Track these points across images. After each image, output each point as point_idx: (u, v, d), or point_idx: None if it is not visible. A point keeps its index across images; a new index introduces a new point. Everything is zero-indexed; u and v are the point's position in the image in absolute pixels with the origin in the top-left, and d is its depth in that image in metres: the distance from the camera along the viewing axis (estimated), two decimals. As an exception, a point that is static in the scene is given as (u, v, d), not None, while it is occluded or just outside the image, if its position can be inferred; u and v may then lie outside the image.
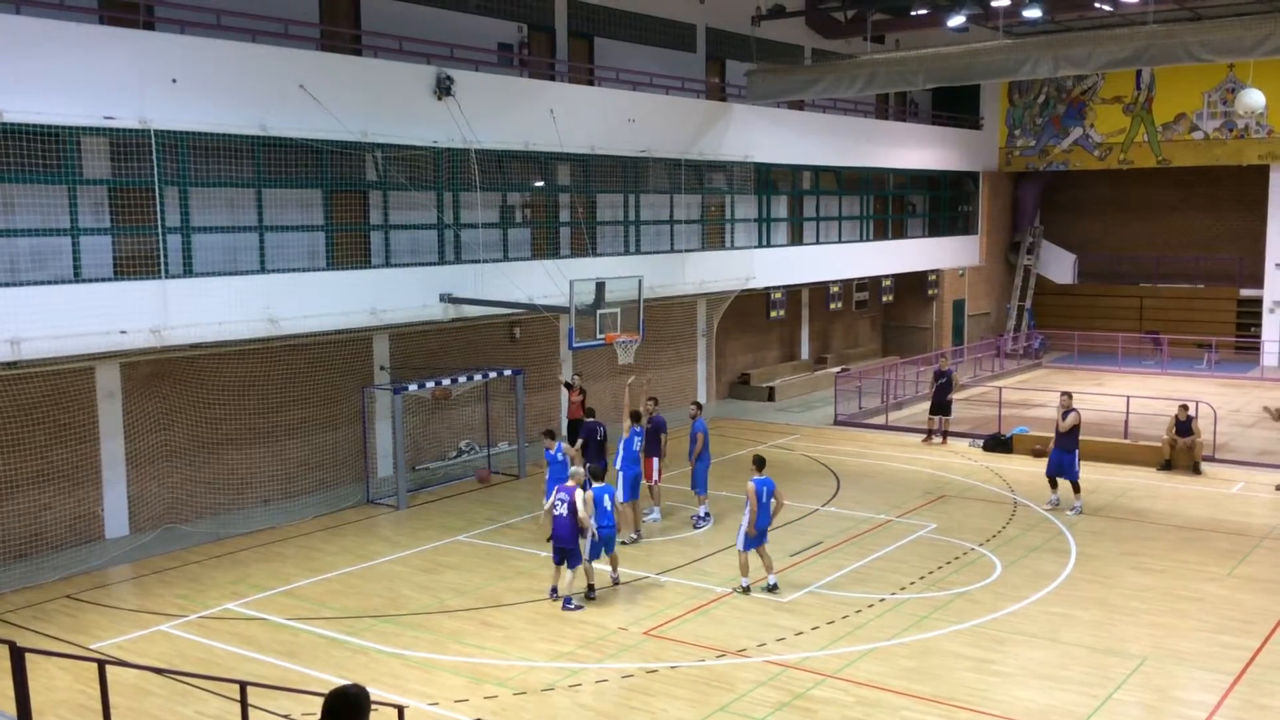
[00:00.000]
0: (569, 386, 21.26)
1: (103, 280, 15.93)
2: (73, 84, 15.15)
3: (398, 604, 14.82)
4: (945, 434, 25.26)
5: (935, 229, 37.91)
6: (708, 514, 18.41)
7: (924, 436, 25.41)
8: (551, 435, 17.50)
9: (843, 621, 13.93)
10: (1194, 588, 15.23)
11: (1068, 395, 19.64)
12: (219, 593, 15.27)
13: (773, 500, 14.97)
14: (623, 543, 16.74)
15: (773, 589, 15.03)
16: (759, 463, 15.28)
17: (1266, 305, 36.46)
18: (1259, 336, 36.57)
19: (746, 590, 15.01)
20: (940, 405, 25.09)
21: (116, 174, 16.14)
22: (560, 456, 16.86)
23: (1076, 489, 19.11)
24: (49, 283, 15.35)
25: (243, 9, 17.98)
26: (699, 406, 19.35)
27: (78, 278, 15.63)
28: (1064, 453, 19.07)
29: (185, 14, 17.17)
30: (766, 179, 29.14)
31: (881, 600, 14.69)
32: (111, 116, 15.61)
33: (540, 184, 23.24)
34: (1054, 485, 19.38)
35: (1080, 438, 19.31)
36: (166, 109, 16.16)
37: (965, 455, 23.93)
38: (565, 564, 14.60)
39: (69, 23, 15.32)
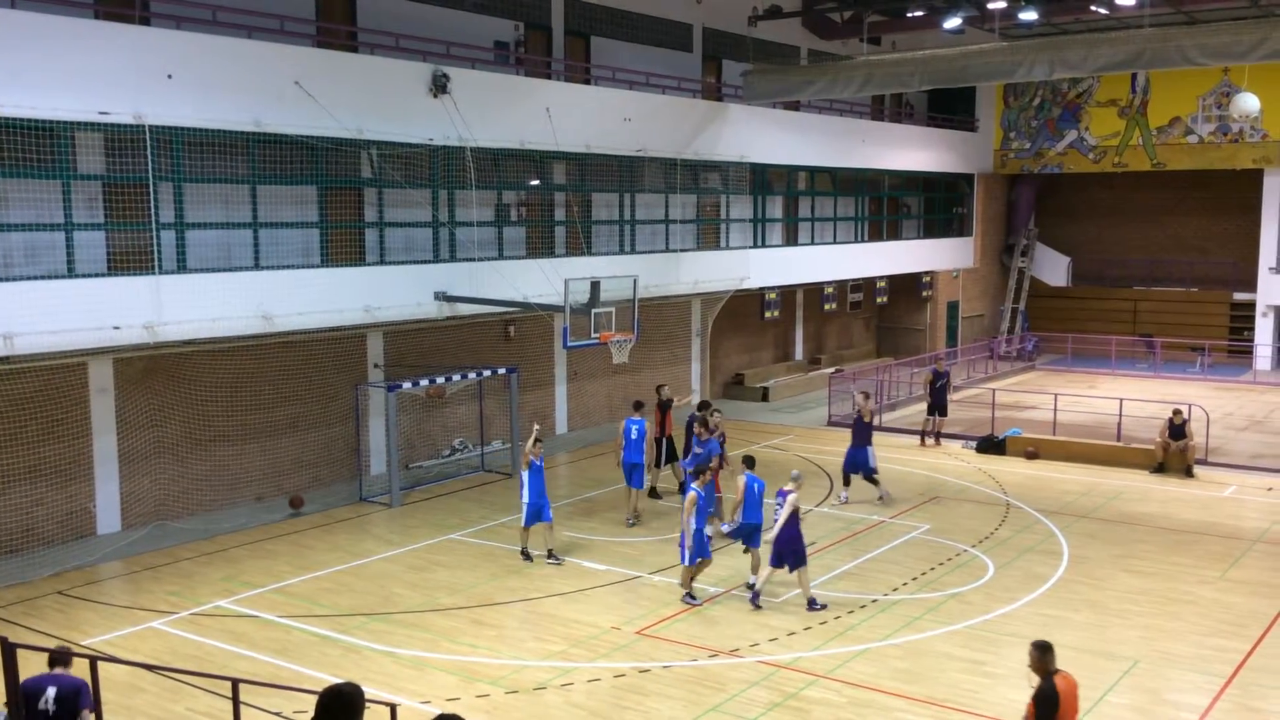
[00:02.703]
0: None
1: (96, 276, 15.89)
2: (67, 79, 15.10)
3: (390, 602, 14.79)
4: (939, 435, 25.26)
5: (930, 230, 37.96)
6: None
7: (920, 439, 25.34)
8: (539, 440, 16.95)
9: (835, 622, 13.94)
10: (1186, 590, 15.26)
11: (865, 395, 20.41)
12: (211, 589, 15.23)
13: (764, 498, 15.11)
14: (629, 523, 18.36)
15: (751, 587, 14.91)
16: (749, 461, 15.56)
17: (1259, 309, 36.55)
18: (1252, 340, 36.66)
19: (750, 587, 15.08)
20: (937, 406, 25.08)
21: (111, 169, 16.12)
22: (539, 461, 16.26)
23: (875, 479, 19.76)
24: (42, 278, 15.33)
25: (238, 5, 17.93)
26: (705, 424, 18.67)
27: (71, 273, 15.60)
28: (859, 448, 19.69)
29: (181, 9, 17.12)
30: (762, 179, 29.15)
31: (874, 601, 14.70)
32: (106, 112, 15.57)
33: (536, 182, 23.23)
34: (847, 482, 19.88)
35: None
36: (161, 104, 16.13)
37: (958, 457, 23.94)
38: (788, 568, 14.43)
39: (64, 17, 15.28)
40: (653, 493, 19.93)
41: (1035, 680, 8.44)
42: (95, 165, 16.13)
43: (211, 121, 16.81)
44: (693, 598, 14.61)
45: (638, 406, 19.31)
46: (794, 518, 14.28)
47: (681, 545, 14.67)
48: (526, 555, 16.44)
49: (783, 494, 14.38)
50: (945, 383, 25.17)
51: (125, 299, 15.89)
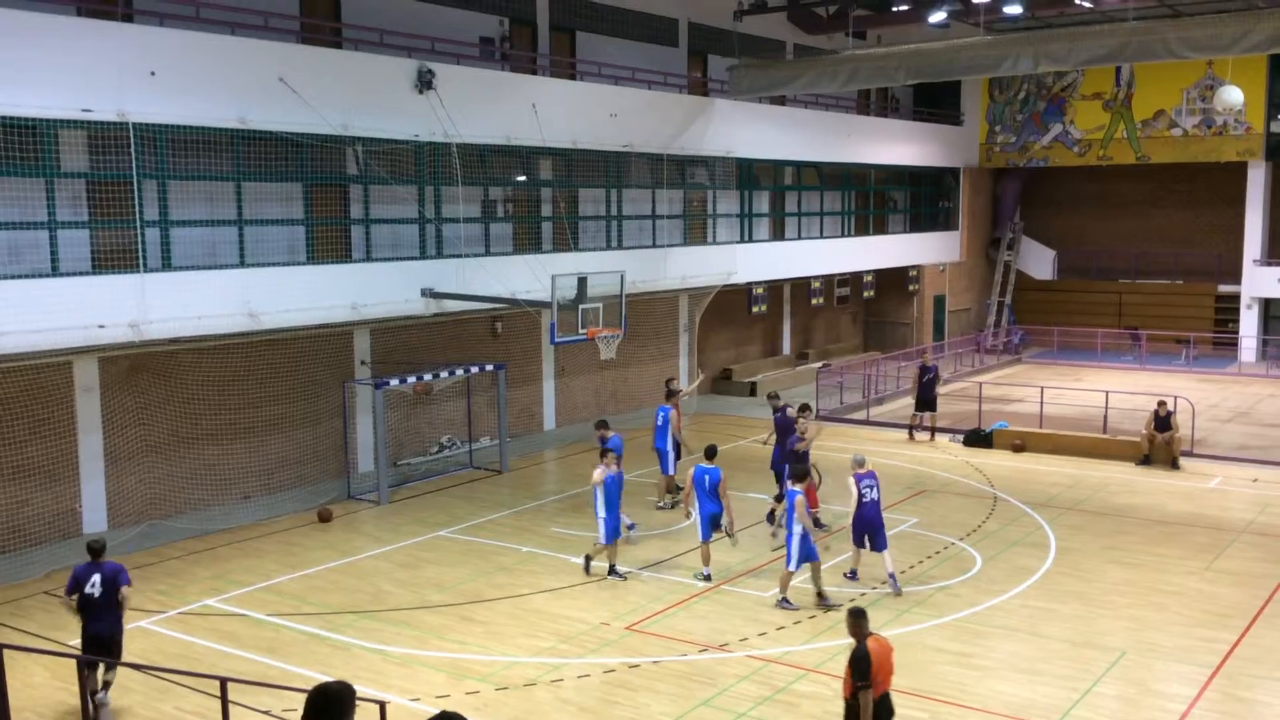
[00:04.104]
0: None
1: (81, 274, 15.80)
2: (50, 76, 15.02)
3: (379, 599, 14.77)
4: (933, 430, 25.20)
5: (916, 225, 38.02)
6: (632, 524, 17.33)
7: (909, 433, 25.31)
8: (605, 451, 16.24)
9: (824, 616, 13.96)
10: (1172, 582, 15.33)
11: (774, 394, 20.32)
12: (199, 588, 15.19)
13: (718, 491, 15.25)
14: (660, 507, 18.87)
15: (705, 578, 15.25)
16: (708, 452, 15.75)
17: (1244, 301, 36.73)
18: (1237, 332, 36.84)
19: (707, 578, 15.19)
20: (926, 401, 25.06)
21: (94, 167, 16.03)
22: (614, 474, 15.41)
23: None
24: (26, 276, 15.23)
25: (222, 1, 17.87)
26: (605, 424, 18.13)
27: (55, 271, 15.51)
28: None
29: (164, 6, 17.02)
30: (748, 174, 29.16)
31: (862, 595, 14.72)
32: (89, 109, 15.48)
33: (522, 178, 23.19)
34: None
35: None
36: (145, 102, 16.04)
37: (946, 450, 24.00)
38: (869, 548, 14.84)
39: (46, 14, 15.18)
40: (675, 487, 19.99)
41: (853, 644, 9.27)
42: (79, 163, 16.03)
43: (195, 118, 16.73)
44: (788, 602, 14.20)
45: (669, 395, 19.99)
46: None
47: (788, 548, 14.16)
48: (615, 571, 15.46)
49: (867, 477, 14.87)
50: (933, 378, 25.11)
51: (110, 297, 15.81)
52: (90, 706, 10.90)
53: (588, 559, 15.70)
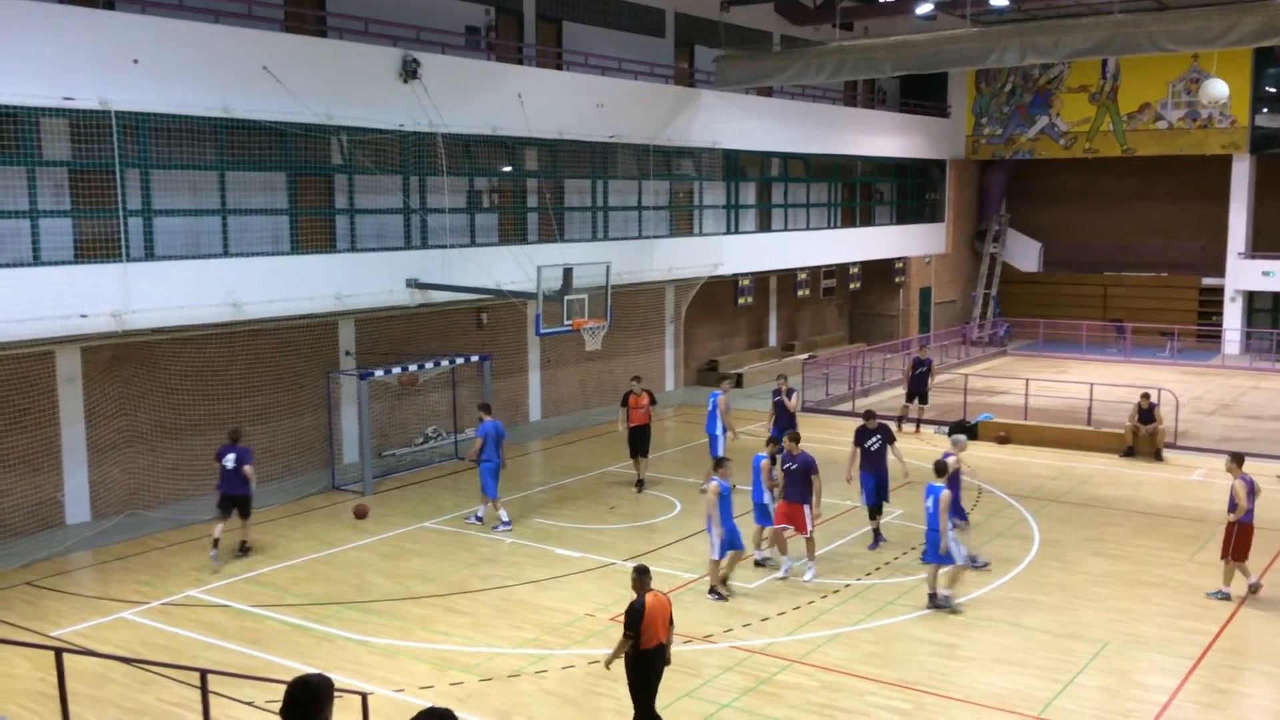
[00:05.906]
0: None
1: (63, 263, 15.71)
2: (32, 64, 14.90)
3: (363, 591, 14.74)
4: (919, 423, 25.18)
5: (902, 216, 38.05)
6: (508, 521, 17.40)
7: (897, 424, 25.23)
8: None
9: (808, 607, 13.99)
10: (1155, 573, 15.40)
11: (782, 377, 21.43)
12: (181, 579, 15.13)
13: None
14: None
15: (759, 564, 15.70)
16: (768, 442, 16.39)
17: (1228, 294, 36.88)
18: (1220, 325, 37.00)
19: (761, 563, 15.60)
20: (919, 394, 25.01)
21: (76, 156, 15.93)
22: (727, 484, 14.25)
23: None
24: (7, 266, 15.13)
25: (206, -11, 17.77)
26: (487, 409, 17.94)
27: (37, 261, 15.42)
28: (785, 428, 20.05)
29: (147, -7, 16.93)
30: (735, 165, 29.13)
31: (847, 586, 14.76)
32: (71, 97, 15.37)
33: (508, 169, 23.12)
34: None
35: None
36: (127, 90, 15.93)
37: (930, 441, 24.03)
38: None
39: (28, 2, 15.05)
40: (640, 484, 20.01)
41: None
42: (61, 151, 15.94)
43: (179, 107, 16.63)
44: (947, 600, 13.82)
45: (721, 379, 20.94)
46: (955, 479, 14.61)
47: (950, 546, 13.65)
48: (717, 593, 14.28)
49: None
50: (926, 370, 25.05)
51: (92, 287, 15.73)
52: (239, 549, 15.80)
53: (717, 591, 14.37)
